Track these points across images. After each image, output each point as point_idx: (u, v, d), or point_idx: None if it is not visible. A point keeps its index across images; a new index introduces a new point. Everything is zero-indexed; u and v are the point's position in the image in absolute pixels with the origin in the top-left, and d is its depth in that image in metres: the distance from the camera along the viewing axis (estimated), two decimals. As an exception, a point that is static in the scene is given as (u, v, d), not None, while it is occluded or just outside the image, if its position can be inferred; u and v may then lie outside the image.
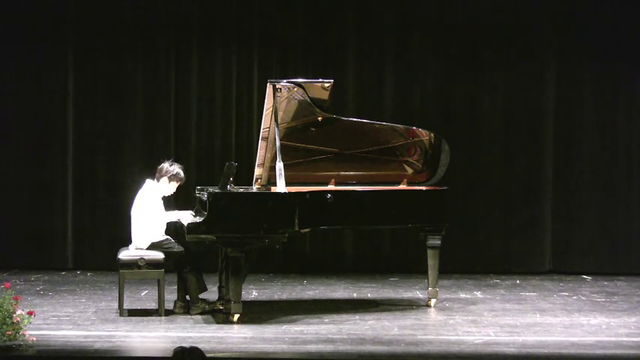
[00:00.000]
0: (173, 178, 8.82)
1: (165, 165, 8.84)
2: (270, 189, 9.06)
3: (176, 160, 9.05)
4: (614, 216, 11.70)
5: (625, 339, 8.00)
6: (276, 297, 10.00)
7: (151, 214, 8.72)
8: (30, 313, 7.49)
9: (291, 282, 10.91)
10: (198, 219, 8.60)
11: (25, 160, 11.70)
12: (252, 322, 8.42)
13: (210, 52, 11.76)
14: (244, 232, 8.37)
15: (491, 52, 11.73)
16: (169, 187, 8.85)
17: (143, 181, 8.91)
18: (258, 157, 9.07)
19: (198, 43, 11.76)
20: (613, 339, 7.99)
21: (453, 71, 11.75)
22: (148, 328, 8.26)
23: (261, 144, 9.04)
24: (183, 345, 5.30)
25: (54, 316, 8.71)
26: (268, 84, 8.80)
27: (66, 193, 11.71)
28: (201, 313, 8.75)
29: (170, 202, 9.13)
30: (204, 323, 8.43)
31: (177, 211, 8.95)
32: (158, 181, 8.83)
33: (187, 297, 8.83)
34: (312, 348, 7.51)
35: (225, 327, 8.26)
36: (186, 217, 8.82)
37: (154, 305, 9.02)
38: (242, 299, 8.47)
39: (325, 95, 9.06)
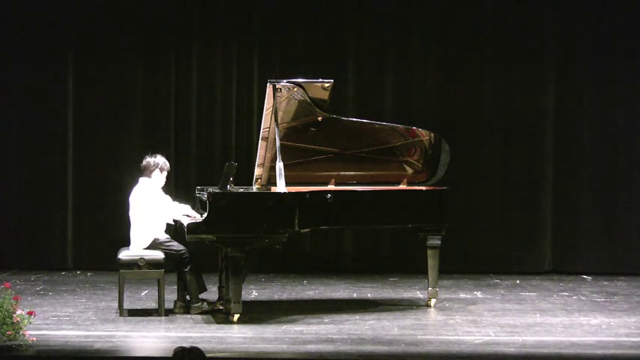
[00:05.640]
0: (163, 167, 8.90)
1: (151, 159, 8.88)
2: (270, 189, 9.06)
3: (154, 152, 9.02)
4: (614, 216, 11.70)
5: (625, 339, 8.00)
6: (276, 297, 10.00)
7: (157, 208, 8.74)
8: (30, 313, 7.49)
9: (291, 282, 10.91)
10: (198, 219, 8.60)
11: (25, 159, 11.70)
12: (252, 322, 8.42)
13: (210, 52, 11.77)
14: (244, 232, 8.37)
15: (491, 52, 11.73)
16: (162, 178, 8.90)
17: (136, 181, 8.92)
18: (258, 157, 9.08)
19: (198, 43, 11.76)
20: (613, 339, 7.99)
21: (453, 71, 11.75)
22: (148, 328, 8.26)
23: (261, 144, 9.04)
24: (184, 345, 5.30)
25: (54, 316, 8.71)
26: (268, 84, 8.80)
27: (66, 193, 11.71)
28: (201, 313, 8.75)
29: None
30: (204, 323, 8.42)
31: (178, 205, 8.97)
32: (150, 176, 8.85)
33: (187, 297, 8.83)
34: (312, 348, 7.51)
35: (225, 327, 8.26)
36: (186, 211, 8.85)
37: (154, 305, 9.02)
38: (242, 299, 8.46)
39: (325, 95, 9.06)
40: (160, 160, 8.89)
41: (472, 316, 8.88)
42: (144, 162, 8.89)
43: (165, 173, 8.91)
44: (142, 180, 8.89)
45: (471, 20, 11.74)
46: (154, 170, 8.85)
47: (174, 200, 9.07)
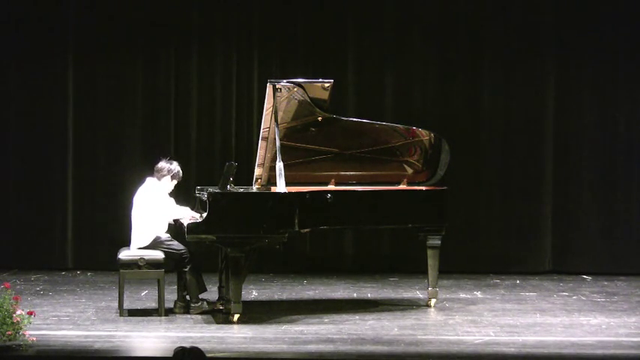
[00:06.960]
0: (175, 176, 8.88)
1: (166, 164, 8.87)
2: (270, 189, 9.06)
3: (172, 158, 9.03)
4: (614, 216, 11.69)
5: (625, 339, 8.01)
6: (276, 297, 10.00)
7: (160, 210, 8.74)
8: (30, 313, 7.49)
9: (291, 282, 10.91)
10: (198, 219, 8.60)
11: (25, 159, 11.70)
12: (252, 322, 8.42)
13: (210, 52, 11.77)
14: (244, 232, 8.37)
15: (491, 52, 11.73)
16: (171, 185, 8.89)
17: (143, 180, 8.92)
18: (258, 157, 9.08)
19: (198, 43, 11.76)
20: (613, 339, 7.99)
21: (453, 71, 11.75)
22: (148, 328, 8.26)
23: (261, 144, 9.04)
24: (184, 345, 5.30)
25: (54, 316, 8.71)
26: (268, 84, 8.80)
27: (66, 193, 11.71)
28: (201, 313, 8.75)
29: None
30: (204, 323, 8.43)
31: (181, 208, 8.96)
32: (160, 179, 8.84)
33: (187, 297, 8.83)
34: (312, 348, 7.51)
35: (225, 327, 8.26)
36: (186, 213, 8.84)
37: (154, 305, 9.02)
38: (242, 299, 8.47)
39: (325, 95, 9.06)
40: (175, 168, 8.87)
41: (472, 316, 8.88)
42: (159, 164, 8.87)
43: (175, 182, 8.90)
44: (149, 180, 8.88)
45: (470, 20, 11.73)
46: (165, 175, 8.84)
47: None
